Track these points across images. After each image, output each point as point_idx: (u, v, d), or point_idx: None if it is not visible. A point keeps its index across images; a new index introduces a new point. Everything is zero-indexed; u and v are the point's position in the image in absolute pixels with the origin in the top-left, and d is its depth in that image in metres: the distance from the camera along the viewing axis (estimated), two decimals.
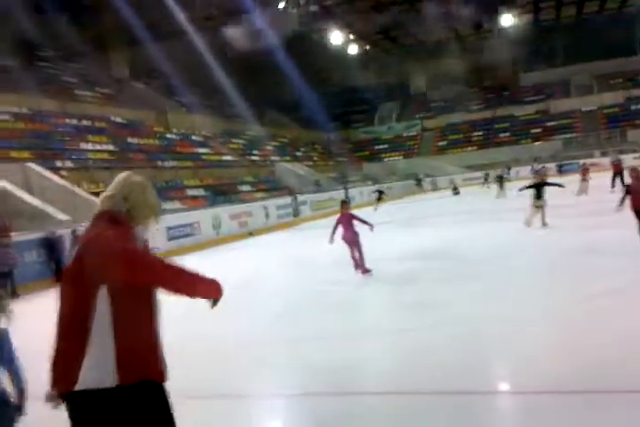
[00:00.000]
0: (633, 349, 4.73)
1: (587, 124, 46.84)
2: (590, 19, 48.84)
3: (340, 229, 9.72)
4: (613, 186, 20.16)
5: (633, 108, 46.54)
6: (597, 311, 5.99)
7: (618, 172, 20.93)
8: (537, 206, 13.19)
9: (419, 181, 43.23)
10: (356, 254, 9.64)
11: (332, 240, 9.69)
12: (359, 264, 9.65)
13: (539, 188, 13.29)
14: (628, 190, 9.44)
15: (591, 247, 9.77)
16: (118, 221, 2.39)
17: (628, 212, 9.35)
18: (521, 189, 14.44)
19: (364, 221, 9.72)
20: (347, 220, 9.74)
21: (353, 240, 9.60)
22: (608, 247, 9.55)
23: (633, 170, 9.60)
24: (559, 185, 13.75)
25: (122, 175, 2.59)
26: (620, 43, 49.30)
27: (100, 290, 2.23)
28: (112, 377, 2.20)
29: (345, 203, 10.43)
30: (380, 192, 27.71)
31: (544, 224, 13.13)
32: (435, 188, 42.93)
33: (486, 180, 33.95)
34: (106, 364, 2.20)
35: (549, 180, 14.95)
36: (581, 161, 40.00)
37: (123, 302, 2.26)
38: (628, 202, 9.38)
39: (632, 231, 9.19)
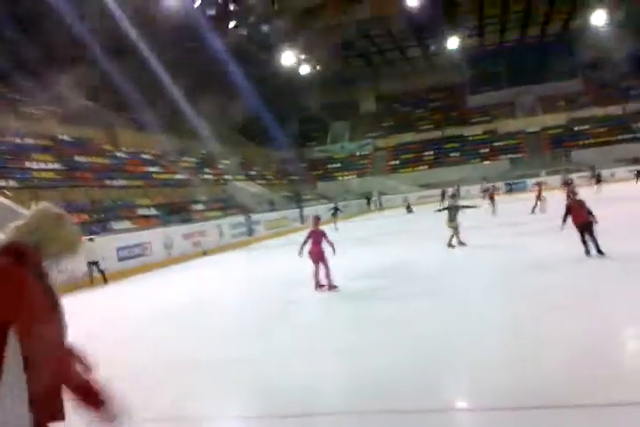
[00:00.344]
0: (585, 363, 4.78)
1: (532, 145, 48.46)
2: (533, 43, 50.92)
3: (309, 245, 9.72)
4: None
5: (576, 129, 48.47)
6: (549, 327, 6.06)
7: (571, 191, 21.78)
8: (450, 227, 13.67)
9: (368, 200, 43.64)
10: (322, 271, 9.64)
11: (301, 253, 9.70)
12: (327, 280, 9.63)
13: (451, 210, 13.76)
14: (569, 208, 10.14)
15: (539, 263, 9.98)
16: (21, 255, 2.17)
17: (571, 229, 9.88)
18: (436, 211, 14.83)
19: (331, 244, 9.69)
20: (318, 236, 9.75)
21: (322, 257, 9.61)
22: (553, 263, 9.83)
23: (569, 190, 10.65)
24: (472, 207, 14.53)
25: (38, 206, 2.43)
26: (561, 66, 51.54)
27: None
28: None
29: (317, 219, 10.34)
30: (336, 209, 28.00)
31: (460, 243, 13.63)
32: (380, 207, 43.21)
33: (443, 197, 34.49)
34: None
35: (467, 202, 15.67)
36: (533, 180, 41.46)
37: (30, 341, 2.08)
38: (569, 219, 10.05)
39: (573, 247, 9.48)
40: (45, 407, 2.14)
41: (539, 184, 23.21)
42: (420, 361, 5.38)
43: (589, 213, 9.84)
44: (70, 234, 2.39)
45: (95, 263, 15.03)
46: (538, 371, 4.70)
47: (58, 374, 2.21)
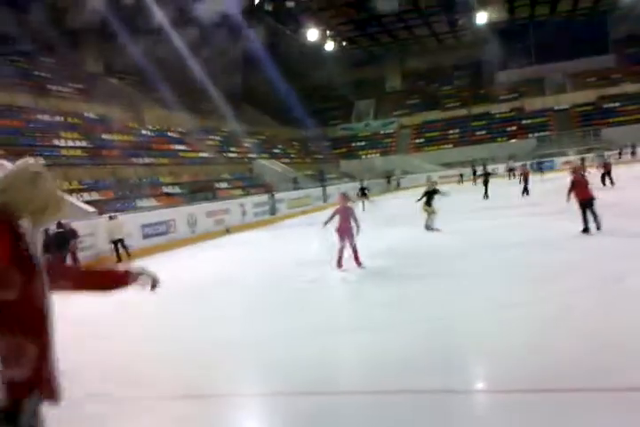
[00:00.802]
0: (601, 346, 4.80)
1: (560, 123, 47.51)
2: (564, 17, 49.50)
3: (336, 222, 9.81)
4: (604, 184, 21.15)
5: (605, 106, 47.31)
6: (571, 307, 6.07)
7: (608, 171, 21.71)
8: (425, 211, 14.21)
9: (388, 179, 43.33)
10: (346, 248, 9.77)
11: (325, 226, 9.83)
12: (354, 257, 9.76)
13: (429, 196, 14.17)
14: (573, 184, 10.61)
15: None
16: None
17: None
18: (417, 200, 14.64)
19: (357, 222, 9.75)
20: (346, 213, 9.82)
21: (350, 233, 9.69)
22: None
23: (573, 167, 11.31)
24: (444, 193, 14.57)
25: (17, 163, 2.29)
26: (592, 41, 50.10)
27: None
28: None
29: (345, 196, 10.34)
30: (364, 189, 27.17)
31: (435, 229, 13.98)
32: (397, 187, 42.84)
33: (474, 174, 35.20)
34: None
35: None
36: (561, 158, 40.68)
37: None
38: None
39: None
40: (17, 367, 2.06)
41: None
42: (437, 342, 5.45)
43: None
44: (46, 194, 2.27)
45: (120, 241, 15.36)
46: (556, 354, 4.74)
47: (31, 335, 2.14)
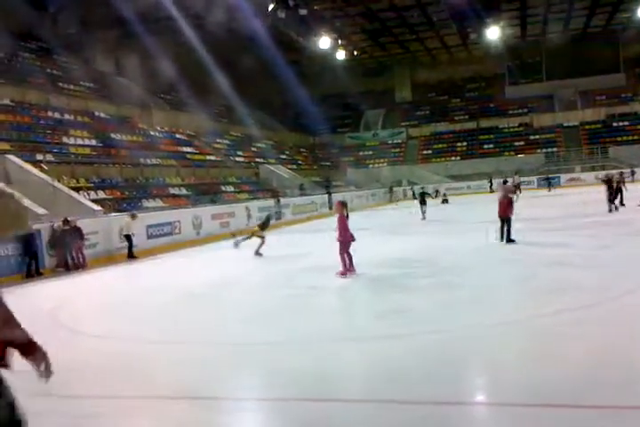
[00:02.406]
0: (604, 362, 4.78)
1: (569, 140, 47.49)
2: (576, 35, 49.60)
3: (339, 230, 9.91)
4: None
5: (615, 125, 47.31)
6: (569, 324, 6.05)
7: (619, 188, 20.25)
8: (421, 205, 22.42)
9: (390, 190, 43.01)
10: (347, 257, 9.85)
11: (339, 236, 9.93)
12: (350, 263, 9.85)
13: (422, 196, 22.85)
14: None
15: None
16: None
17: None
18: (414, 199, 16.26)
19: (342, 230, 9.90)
20: (345, 221, 9.94)
21: (350, 241, 9.81)
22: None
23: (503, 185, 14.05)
24: (430, 195, 19.81)
25: None
26: (604, 60, 50.16)
27: None
28: None
29: (343, 204, 10.33)
30: (391, 188, 26.48)
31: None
32: (396, 199, 42.06)
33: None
34: None
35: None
36: (567, 175, 40.58)
37: None
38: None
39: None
40: None
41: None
42: (437, 353, 5.44)
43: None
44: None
45: (128, 237, 15.50)
46: (558, 369, 4.71)
47: None
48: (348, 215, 10.09)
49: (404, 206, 32.73)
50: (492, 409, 4.22)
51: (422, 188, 29.43)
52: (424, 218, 22.31)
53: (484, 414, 4.21)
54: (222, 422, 4.37)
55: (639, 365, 4.78)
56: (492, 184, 39.48)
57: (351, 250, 9.93)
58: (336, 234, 9.92)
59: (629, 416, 3.78)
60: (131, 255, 15.52)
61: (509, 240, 12.51)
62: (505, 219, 12.61)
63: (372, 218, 25.80)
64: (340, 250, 9.85)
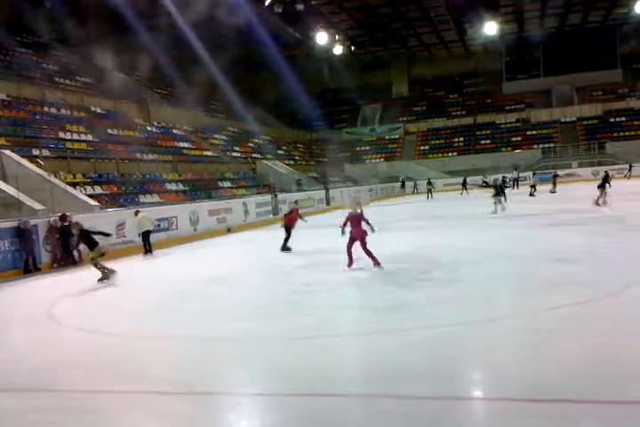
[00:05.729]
0: (599, 358, 4.79)
1: (566, 135, 47.51)
2: (573, 31, 49.57)
3: (349, 227, 10.13)
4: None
5: (612, 120, 47.34)
6: (567, 319, 6.07)
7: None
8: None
9: (403, 184, 43.45)
10: (356, 250, 10.00)
11: (343, 232, 10.15)
12: (372, 258, 9.96)
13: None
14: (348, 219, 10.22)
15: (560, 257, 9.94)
16: None
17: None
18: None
19: (370, 224, 10.02)
20: (356, 218, 10.07)
21: (362, 237, 9.95)
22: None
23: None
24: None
25: None
26: (600, 56, 50.15)
27: None
28: None
29: (356, 201, 10.74)
30: (403, 182, 26.17)
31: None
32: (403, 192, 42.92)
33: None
34: None
35: None
36: (565, 170, 40.46)
37: None
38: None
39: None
40: None
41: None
42: (434, 348, 5.46)
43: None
44: None
45: (148, 232, 15.45)
46: (556, 364, 4.73)
47: None
48: (362, 211, 10.25)
49: (415, 200, 32.70)
50: (490, 404, 4.23)
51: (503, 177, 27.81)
52: (504, 209, 19.34)
53: (482, 409, 4.22)
54: (218, 417, 4.37)
55: (637, 360, 4.80)
56: (465, 183, 37.32)
57: (369, 246, 10.01)
58: (352, 230, 10.05)
59: (627, 411, 3.80)
60: (147, 250, 15.38)
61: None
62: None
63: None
64: (362, 246, 9.96)
